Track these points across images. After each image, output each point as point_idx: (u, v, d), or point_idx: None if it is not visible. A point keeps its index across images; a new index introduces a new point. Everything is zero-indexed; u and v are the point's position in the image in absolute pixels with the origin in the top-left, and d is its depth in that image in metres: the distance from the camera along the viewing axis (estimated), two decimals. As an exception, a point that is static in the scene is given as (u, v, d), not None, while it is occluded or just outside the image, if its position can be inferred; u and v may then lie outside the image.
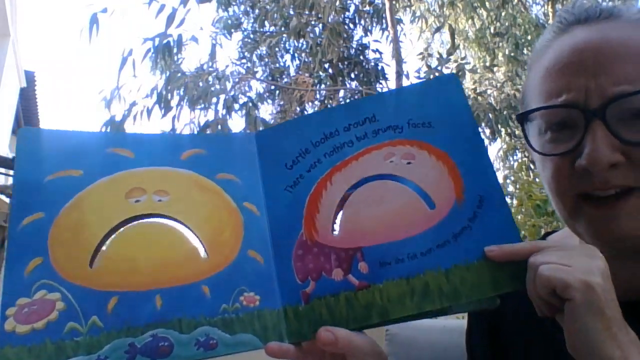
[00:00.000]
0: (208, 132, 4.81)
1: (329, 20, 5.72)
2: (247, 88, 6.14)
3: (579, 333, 0.43)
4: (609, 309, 0.42)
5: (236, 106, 5.44)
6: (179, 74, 5.21)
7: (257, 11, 6.32)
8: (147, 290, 0.49)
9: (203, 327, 0.49)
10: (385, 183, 0.57)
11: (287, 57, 6.58)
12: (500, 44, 6.50)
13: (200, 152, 0.57)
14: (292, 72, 6.55)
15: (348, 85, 6.38)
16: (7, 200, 2.31)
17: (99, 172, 0.52)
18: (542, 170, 0.56)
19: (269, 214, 0.57)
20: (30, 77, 8.79)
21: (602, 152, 0.48)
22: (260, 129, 4.93)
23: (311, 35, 5.96)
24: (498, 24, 6.46)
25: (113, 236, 0.50)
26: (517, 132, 6.06)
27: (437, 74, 5.39)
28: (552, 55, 0.54)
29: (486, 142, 6.58)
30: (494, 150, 7.64)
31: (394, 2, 5.62)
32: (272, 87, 6.48)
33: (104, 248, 0.49)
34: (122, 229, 0.50)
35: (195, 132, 4.93)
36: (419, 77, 5.56)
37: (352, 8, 6.48)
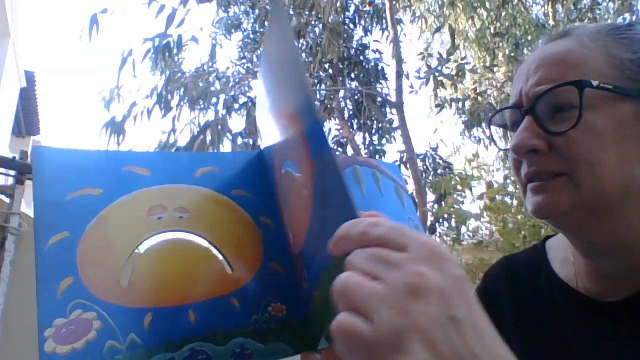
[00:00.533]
0: (208, 132, 4.81)
1: (329, 20, 5.71)
2: (247, 88, 6.14)
3: None
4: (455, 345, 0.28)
5: (236, 106, 5.43)
6: (179, 74, 5.21)
7: (257, 11, 6.31)
8: (180, 305, 0.49)
9: (237, 339, 0.49)
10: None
11: (287, 57, 6.57)
12: (500, 44, 6.50)
13: (213, 170, 0.57)
14: (292, 72, 6.54)
15: (348, 85, 6.37)
16: (7, 200, 2.30)
17: (118, 191, 0.52)
18: None
19: (279, 226, 0.57)
20: (30, 77, 8.78)
21: (522, 139, 0.55)
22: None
23: (311, 35, 5.96)
24: (498, 24, 6.46)
25: (140, 253, 0.50)
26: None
27: (436, 74, 5.39)
28: None
29: (486, 142, 6.57)
30: (494, 150, 7.63)
31: (394, 2, 5.62)
32: (272, 87, 6.46)
33: (132, 265, 0.49)
34: (148, 245, 0.50)
35: (195, 132, 4.94)
36: (419, 77, 5.57)
37: (352, 8, 6.48)
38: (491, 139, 0.70)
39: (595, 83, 0.53)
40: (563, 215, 0.55)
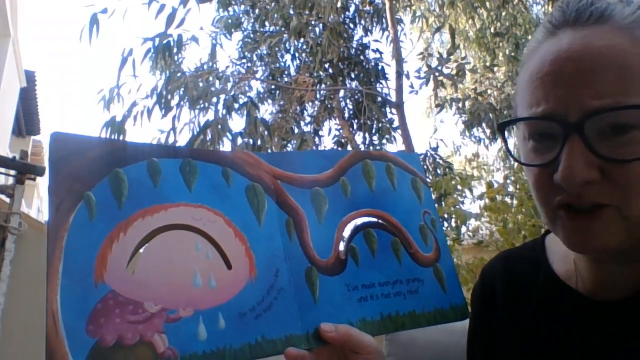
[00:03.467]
0: (208, 132, 4.81)
1: (329, 20, 5.71)
2: (247, 88, 6.13)
3: None
4: None
5: (236, 106, 5.43)
6: (179, 74, 5.21)
7: (257, 11, 6.31)
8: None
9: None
10: None
11: (287, 57, 6.58)
12: (501, 44, 6.49)
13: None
14: (292, 72, 6.55)
15: (348, 85, 6.37)
16: (8, 200, 2.30)
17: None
18: (526, 176, 0.56)
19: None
20: (30, 77, 8.77)
21: (577, 170, 0.47)
22: (261, 129, 4.93)
23: (311, 35, 5.95)
24: (498, 24, 6.45)
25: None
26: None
27: (437, 74, 5.38)
28: (537, 60, 0.52)
29: (486, 142, 6.57)
30: (494, 150, 7.61)
31: (394, 2, 5.61)
32: (272, 87, 6.47)
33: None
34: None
35: (195, 133, 4.93)
36: (419, 77, 5.57)
37: (352, 8, 6.47)
38: (506, 148, 0.57)
39: None
40: (610, 251, 0.50)
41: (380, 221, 0.68)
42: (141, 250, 0.52)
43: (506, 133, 0.56)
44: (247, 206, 0.60)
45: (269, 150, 5.51)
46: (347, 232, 0.65)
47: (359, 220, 0.66)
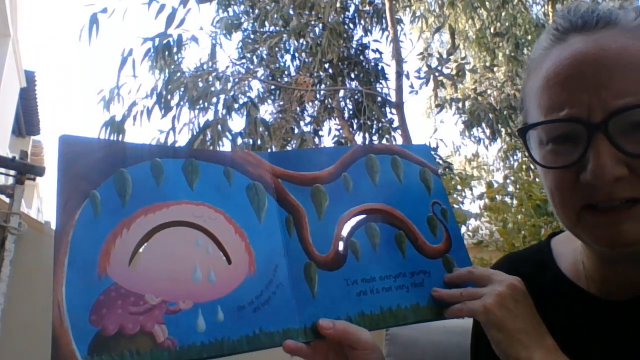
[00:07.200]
0: (208, 132, 4.80)
1: (329, 20, 5.71)
2: (247, 88, 6.13)
3: (492, 342, 0.55)
4: (511, 322, 0.54)
5: (236, 106, 5.43)
6: (179, 74, 5.21)
7: (257, 11, 6.31)
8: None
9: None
10: None
11: (287, 57, 6.58)
12: (501, 44, 6.50)
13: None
14: (292, 72, 6.54)
15: (348, 85, 6.37)
16: (7, 200, 2.31)
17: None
18: (544, 181, 0.56)
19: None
20: (30, 77, 8.77)
21: (607, 167, 0.48)
22: (261, 129, 4.93)
23: (311, 35, 5.95)
24: (498, 24, 6.46)
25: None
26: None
27: (436, 74, 5.38)
28: (550, 66, 0.53)
29: (486, 142, 6.58)
30: (494, 150, 7.61)
31: (394, 2, 5.61)
32: (272, 87, 6.47)
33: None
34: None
35: (195, 133, 4.93)
36: (419, 77, 5.57)
37: (352, 8, 6.47)
38: (528, 152, 0.57)
39: None
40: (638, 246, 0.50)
41: (382, 215, 0.68)
42: (143, 246, 0.54)
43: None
44: (247, 204, 0.61)
45: (269, 151, 5.51)
46: (347, 227, 0.65)
47: (361, 215, 0.67)
